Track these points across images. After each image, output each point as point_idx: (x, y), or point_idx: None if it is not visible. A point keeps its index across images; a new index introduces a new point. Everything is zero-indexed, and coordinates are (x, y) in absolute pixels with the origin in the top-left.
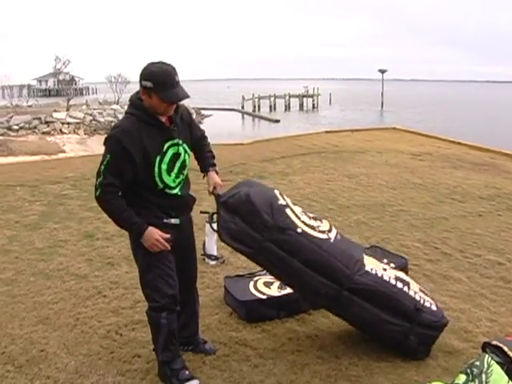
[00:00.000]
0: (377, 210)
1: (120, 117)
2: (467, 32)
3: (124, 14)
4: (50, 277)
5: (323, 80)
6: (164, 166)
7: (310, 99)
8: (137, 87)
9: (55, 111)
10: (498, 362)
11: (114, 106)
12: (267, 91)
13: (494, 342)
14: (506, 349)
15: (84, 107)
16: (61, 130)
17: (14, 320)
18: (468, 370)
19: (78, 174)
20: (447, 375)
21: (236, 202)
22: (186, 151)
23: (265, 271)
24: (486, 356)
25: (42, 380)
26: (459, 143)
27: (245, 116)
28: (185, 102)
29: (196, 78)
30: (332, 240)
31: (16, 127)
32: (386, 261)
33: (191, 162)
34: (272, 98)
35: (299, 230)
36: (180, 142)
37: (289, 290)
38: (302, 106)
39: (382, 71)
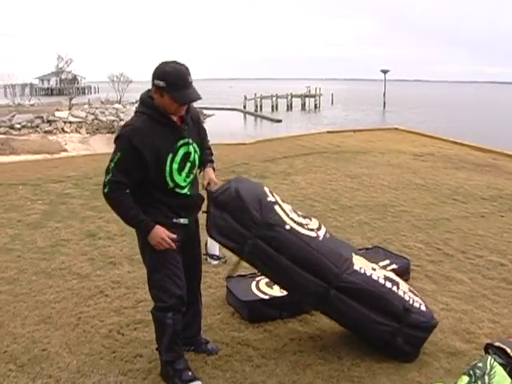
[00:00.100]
0: (379, 211)
1: (122, 116)
2: (470, 33)
3: (126, 13)
4: (52, 276)
5: (325, 80)
6: (175, 166)
7: (312, 99)
8: (138, 86)
9: (57, 110)
10: (500, 364)
11: (116, 106)
12: (269, 91)
13: (497, 344)
14: (508, 350)
15: (86, 106)
16: (63, 129)
17: (16, 319)
18: (471, 372)
19: (81, 173)
20: (450, 376)
21: (225, 198)
22: (195, 150)
23: None
24: (489, 357)
25: (43, 379)
26: (461, 144)
27: (247, 116)
28: None
29: (198, 77)
30: (321, 238)
31: (18, 126)
32: (388, 261)
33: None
34: (274, 98)
35: (288, 227)
36: (190, 141)
37: None
38: (304, 105)
39: (385, 71)
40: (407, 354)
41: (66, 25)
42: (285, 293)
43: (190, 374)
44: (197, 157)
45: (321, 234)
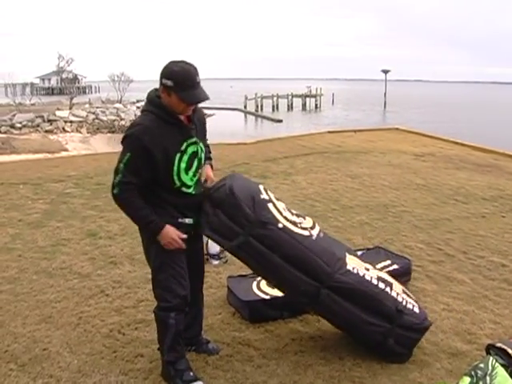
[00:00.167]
0: (380, 211)
1: (123, 115)
2: (470, 33)
3: (126, 12)
4: (53, 275)
5: (326, 80)
6: (183, 165)
7: (313, 99)
8: (139, 86)
9: (58, 109)
10: (502, 364)
11: (117, 105)
12: (270, 91)
13: (498, 344)
14: (510, 351)
15: (87, 106)
16: (63, 129)
17: (17, 318)
18: (472, 372)
19: (81, 173)
20: (451, 377)
21: (219, 195)
22: (202, 150)
23: None
24: (491, 358)
25: (44, 379)
26: (462, 144)
27: (247, 115)
28: None
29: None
30: (314, 237)
31: (19, 125)
32: (389, 262)
33: None
34: (275, 98)
35: (280, 226)
36: (197, 140)
37: None
38: (304, 105)
39: (385, 71)
40: (399, 354)
41: (67, 24)
42: None
43: (191, 374)
44: (203, 156)
45: (314, 233)
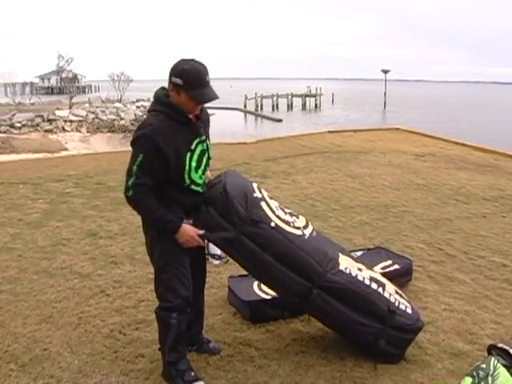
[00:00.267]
0: (380, 211)
1: (123, 115)
2: (470, 33)
3: (126, 12)
4: (53, 275)
5: (326, 80)
6: (194, 164)
7: (313, 99)
8: (139, 85)
9: (58, 109)
10: (503, 365)
11: (117, 104)
12: (270, 90)
13: (500, 345)
14: (511, 351)
15: (87, 105)
16: (63, 128)
17: (17, 318)
18: (474, 373)
19: (81, 172)
20: (452, 377)
21: (212, 193)
22: (209, 148)
23: None
24: (492, 359)
25: (45, 379)
26: (463, 144)
27: (247, 115)
28: None
29: None
30: (306, 236)
31: (19, 125)
32: (390, 262)
33: None
34: (275, 98)
35: (273, 224)
36: (205, 138)
37: None
38: (304, 105)
39: (385, 71)
40: (391, 355)
41: (67, 23)
42: None
43: (192, 374)
44: (211, 154)
45: (307, 232)
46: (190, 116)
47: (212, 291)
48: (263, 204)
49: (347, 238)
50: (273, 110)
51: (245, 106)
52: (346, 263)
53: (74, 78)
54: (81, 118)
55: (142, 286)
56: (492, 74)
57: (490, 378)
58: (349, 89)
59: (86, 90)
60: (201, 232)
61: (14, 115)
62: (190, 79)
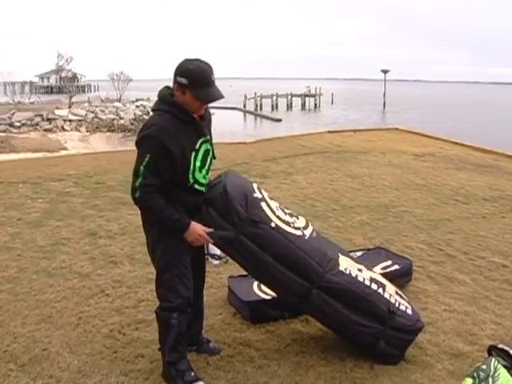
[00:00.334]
0: (380, 211)
1: (122, 114)
2: (472, 33)
3: (126, 11)
4: (53, 275)
5: (326, 80)
6: (198, 163)
7: (312, 99)
8: (138, 85)
9: (57, 108)
10: (504, 366)
11: (116, 104)
12: (269, 90)
13: (500, 346)
14: None
15: (86, 104)
16: (63, 127)
17: (17, 318)
18: (474, 374)
19: (81, 172)
20: (453, 378)
21: (213, 193)
22: (212, 147)
23: None
24: (493, 359)
25: (44, 379)
26: (462, 144)
27: (247, 115)
28: None
29: None
30: (306, 237)
31: (18, 124)
32: (390, 262)
33: None
34: (274, 97)
35: (273, 225)
36: (209, 138)
37: None
38: (303, 105)
39: (385, 71)
40: (391, 356)
41: (66, 23)
42: None
43: (192, 374)
44: (214, 154)
45: (307, 232)
46: (195, 116)
47: (212, 291)
48: (263, 204)
49: (347, 238)
50: (272, 109)
51: (244, 106)
52: (345, 264)
53: (74, 77)
54: (80, 118)
55: (141, 285)
56: (491, 74)
57: (490, 379)
58: (348, 89)
59: (86, 90)
60: (209, 230)
61: (13, 114)
62: (195, 79)
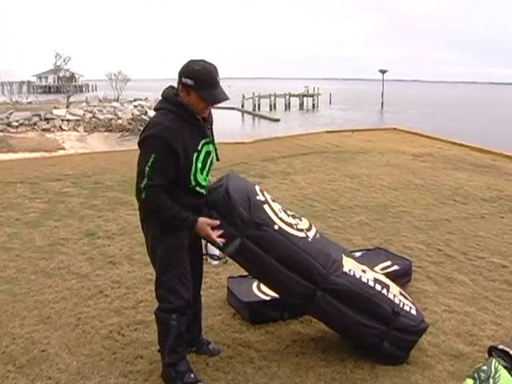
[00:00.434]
0: (379, 211)
1: (120, 114)
2: (470, 33)
3: (124, 11)
4: (51, 275)
5: (324, 80)
6: (199, 165)
7: (310, 99)
8: (136, 85)
9: (55, 108)
10: (505, 367)
11: (114, 104)
12: (268, 90)
13: (501, 346)
14: None
15: (84, 104)
16: (60, 127)
17: (15, 319)
18: (475, 375)
19: (79, 172)
20: (453, 379)
21: (215, 196)
22: (214, 149)
23: None
24: (494, 360)
25: (43, 381)
26: (460, 144)
27: (245, 115)
28: None
29: None
30: (310, 239)
31: (16, 124)
32: (389, 262)
33: None
34: (272, 97)
35: (276, 227)
36: (211, 139)
37: None
38: (302, 105)
39: (383, 71)
40: (395, 357)
41: (64, 22)
42: None
43: (192, 376)
44: (215, 155)
45: (310, 234)
46: (198, 117)
47: (211, 292)
48: (266, 207)
49: (346, 238)
50: (270, 109)
51: (242, 106)
52: (349, 265)
53: (72, 76)
54: (78, 117)
55: (140, 286)
56: (490, 75)
57: (491, 380)
58: (347, 89)
59: (84, 89)
60: (217, 223)
61: (11, 114)
62: (201, 79)
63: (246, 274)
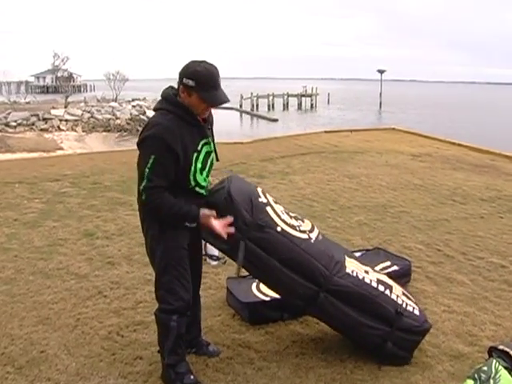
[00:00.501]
0: (378, 211)
1: (118, 114)
2: (469, 33)
3: (122, 11)
4: (50, 276)
5: (322, 80)
6: (199, 165)
7: (309, 99)
8: (134, 85)
9: (53, 108)
10: (505, 367)
11: (113, 104)
12: (266, 90)
13: (501, 347)
14: None
15: (82, 104)
16: (59, 127)
17: (14, 320)
18: (476, 375)
19: (77, 172)
20: (453, 380)
21: (217, 198)
22: (214, 150)
23: None
24: (494, 361)
25: (42, 382)
26: (459, 144)
27: (243, 115)
28: None
29: None
30: (312, 240)
31: (14, 124)
32: (389, 263)
33: None
34: (270, 97)
35: (279, 229)
36: (211, 140)
37: None
38: (300, 105)
39: (381, 71)
40: (399, 357)
41: (63, 22)
42: None
43: (191, 377)
44: (215, 156)
45: (313, 236)
46: (198, 117)
47: (210, 292)
48: (269, 209)
49: (345, 238)
50: (268, 109)
51: (240, 106)
52: (352, 266)
53: (70, 77)
54: (76, 117)
55: (139, 287)
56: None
57: (491, 381)
58: (345, 89)
59: (82, 89)
60: (214, 214)
61: (9, 114)
62: (203, 80)
63: (245, 274)
